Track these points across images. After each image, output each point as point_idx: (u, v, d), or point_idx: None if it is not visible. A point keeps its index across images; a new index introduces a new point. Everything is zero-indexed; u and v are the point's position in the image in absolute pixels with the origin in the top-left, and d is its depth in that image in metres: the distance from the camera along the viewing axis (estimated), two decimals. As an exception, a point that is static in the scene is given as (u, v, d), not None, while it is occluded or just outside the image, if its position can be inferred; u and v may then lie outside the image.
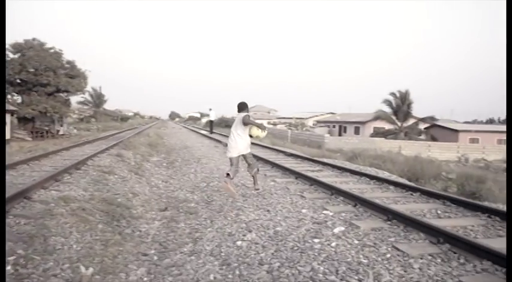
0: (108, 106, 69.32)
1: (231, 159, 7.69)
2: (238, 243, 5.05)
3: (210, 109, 32.63)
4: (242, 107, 7.84)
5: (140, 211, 6.99)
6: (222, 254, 4.79)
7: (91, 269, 4.19)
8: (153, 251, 5.22)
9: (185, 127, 56.45)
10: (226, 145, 18.62)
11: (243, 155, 7.67)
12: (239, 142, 7.56)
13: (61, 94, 29.05)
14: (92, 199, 6.70)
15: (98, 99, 63.52)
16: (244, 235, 5.31)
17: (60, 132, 28.05)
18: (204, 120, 72.71)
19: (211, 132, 31.44)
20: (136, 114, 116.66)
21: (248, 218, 6.03)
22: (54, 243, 4.60)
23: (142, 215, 6.78)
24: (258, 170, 7.99)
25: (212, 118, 33.77)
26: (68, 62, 29.05)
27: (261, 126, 7.78)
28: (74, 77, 28.86)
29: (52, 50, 27.93)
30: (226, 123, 53.23)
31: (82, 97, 52.96)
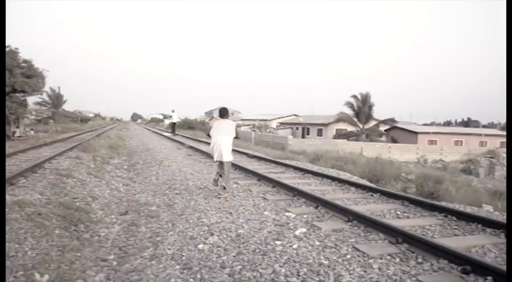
0: (67, 107, 67.42)
1: (221, 165, 7.81)
2: (200, 246, 5.01)
3: (173, 111, 32.44)
4: (224, 113, 8.08)
5: (99, 215, 6.83)
6: (184, 258, 4.74)
7: (46, 276, 4.05)
8: (112, 256, 5.10)
9: (147, 129, 55.67)
10: (189, 147, 18.47)
11: (222, 162, 7.73)
12: (229, 148, 7.72)
13: (17, 94, 27.99)
14: (49, 203, 6.50)
15: (57, 99, 61.66)
16: (206, 238, 5.27)
17: (17, 134, 27.03)
18: (167, 122, 71.85)
19: (174, 134, 31.16)
20: (97, 115, 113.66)
21: (210, 221, 5.99)
22: (7, 250, 4.42)
23: (101, 219, 6.63)
24: (226, 185, 7.78)
25: (174, 120, 33.48)
26: (25, 61, 28.03)
27: (239, 136, 8.17)
28: (31, 76, 27.82)
29: (7, 49, 26.95)
30: (189, 125, 52.81)
31: (40, 98, 51.32)
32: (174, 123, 33.51)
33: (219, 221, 5.99)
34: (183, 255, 4.82)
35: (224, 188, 7.71)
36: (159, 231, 5.98)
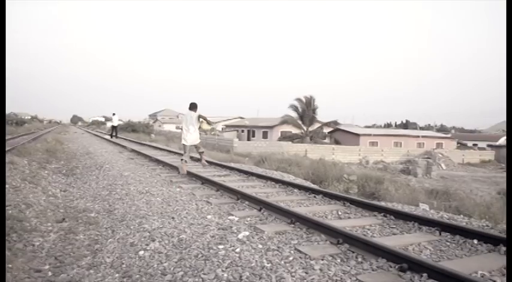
0: (1, 109, 63.83)
1: (185, 146, 10.46)
2: (141, 253, 4.88)
3: (114, 114, 32.26)
4: (192, 106, 10.29)
5: (34, 223, 6.50)
6: (123, 266, 4.60)
7: (-28, 291, 3.80)
8: (47, 267, 4.87)
9: (88, 132, 53.95)
10: (131, 151, 18.18)
11: (195, 145, 10.54)
12: (194, 135, 10.30)
13: None
14: (-23, 212, 6.10)
15: (-11, 101, 58.35)
16: (147, 244, 5.14)
17: None
18: (109, 124, 70.02)
19: (116, 137, 30.78)
20: (34, 118, 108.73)
21: (152, 227, 5.85)
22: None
23: (36, 228, 6.31)
24: (203, 152, 11.15)
25: (115, 123, 33.02)
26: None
27: (210, 122, 10.76)
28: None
29: None
30: (133, 128, 51.66)
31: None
32: (115, 126, 33.00)
33: (161, 226, 5.86)
34: (123, 263, 4.68)
35: (200, 154, 11.07)
36: (98, 239, 5.79)
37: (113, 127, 32.84)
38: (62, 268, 4.81)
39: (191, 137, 10.23)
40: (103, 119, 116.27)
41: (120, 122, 47.40)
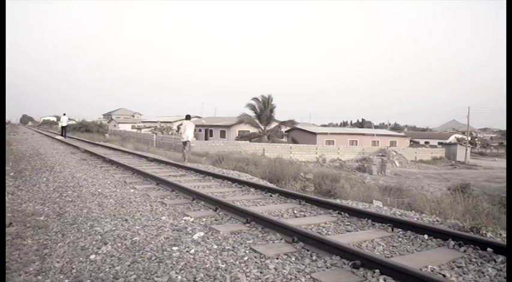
0: None
1: (183, 142, 15.55)
2: (92, 257, 4.73)
3: (64, 114, 32.86)
4: (188, 117, 16.40)
5: (-22, 228, 6.19)
6: (74, 271, 4.44)
7: None
8: (-8, 274, 4.64)
9: (39, 132, 52.07)
10: (84, 151, 17.86)
11: (188, 141, 15.41)
12: (191, 134, 15.73)
13: None
14: None
15: None
16: (98, 248, 4.99)
17: None
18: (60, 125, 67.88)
19: (65, 137, 31.06)
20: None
21: (104, 229, 5.69)
22: None
23: (-20, 233, 6.01)
24: (190, 154, 16.13)
25: (64, 124, 33.17)
26: None
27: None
28: None
29: None
30: (86, 128, 50.38)
31: None
32: (64, 126, 33.44)
33: (114, 228, 5.71)
34: (73, 268, 4.52)
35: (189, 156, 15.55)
36: (47, 243, 5.56)
37: (62, 127, 33.16)
38: (8, 275, 4.60)
39: (189, 135, 15.51)
40: (55, 119, 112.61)
41: (73, 122, 46.41)
